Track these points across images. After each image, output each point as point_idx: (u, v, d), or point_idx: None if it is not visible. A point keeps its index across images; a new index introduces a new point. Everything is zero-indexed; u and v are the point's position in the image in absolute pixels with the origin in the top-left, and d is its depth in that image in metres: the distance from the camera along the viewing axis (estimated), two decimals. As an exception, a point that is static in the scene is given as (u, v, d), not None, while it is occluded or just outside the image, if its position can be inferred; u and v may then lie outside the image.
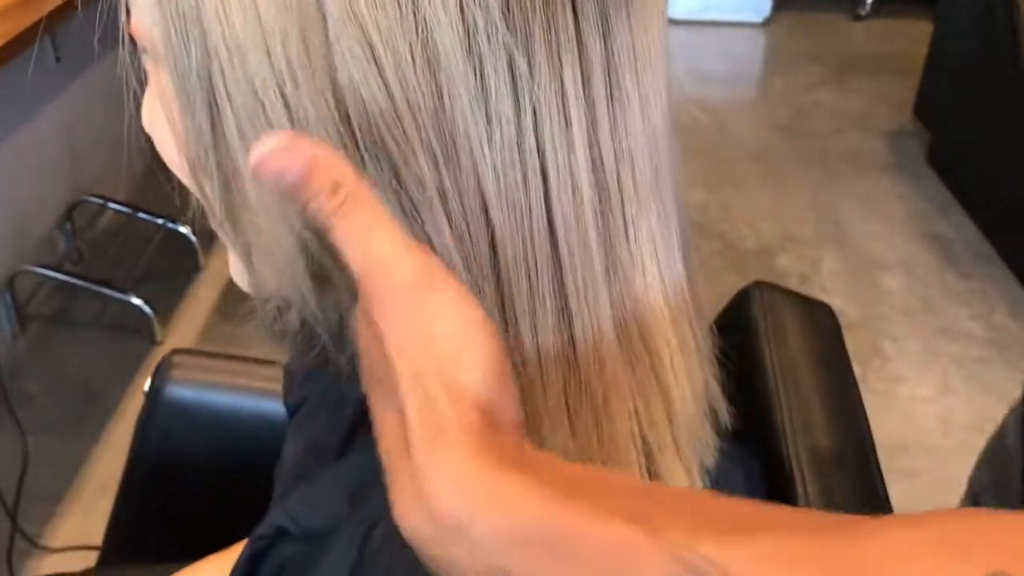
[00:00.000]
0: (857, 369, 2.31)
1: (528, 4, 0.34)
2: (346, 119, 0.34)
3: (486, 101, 0.35)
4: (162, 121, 0.40)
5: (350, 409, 0.53)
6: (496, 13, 0.34)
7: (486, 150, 0.35)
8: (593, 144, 0.37)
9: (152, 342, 2.09)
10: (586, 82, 0.36)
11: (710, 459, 0.44)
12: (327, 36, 0.33)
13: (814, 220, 2.64)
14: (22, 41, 1.35)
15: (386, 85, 0.34)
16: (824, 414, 0.58)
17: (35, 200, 2.19)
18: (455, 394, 0.29)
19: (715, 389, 0.46)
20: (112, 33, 0.40)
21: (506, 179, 0.35)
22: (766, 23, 4.03)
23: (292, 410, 0.65)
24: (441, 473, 0.28)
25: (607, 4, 0.36)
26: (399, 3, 0.33)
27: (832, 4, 4.26)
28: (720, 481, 0.44)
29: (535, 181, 0.36)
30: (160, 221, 2.32)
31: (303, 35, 0.33)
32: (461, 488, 0.28)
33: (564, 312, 0.38)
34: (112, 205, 2.36)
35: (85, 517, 1.68)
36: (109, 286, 2.14)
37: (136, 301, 2.08)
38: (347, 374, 0.47)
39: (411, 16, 0.33)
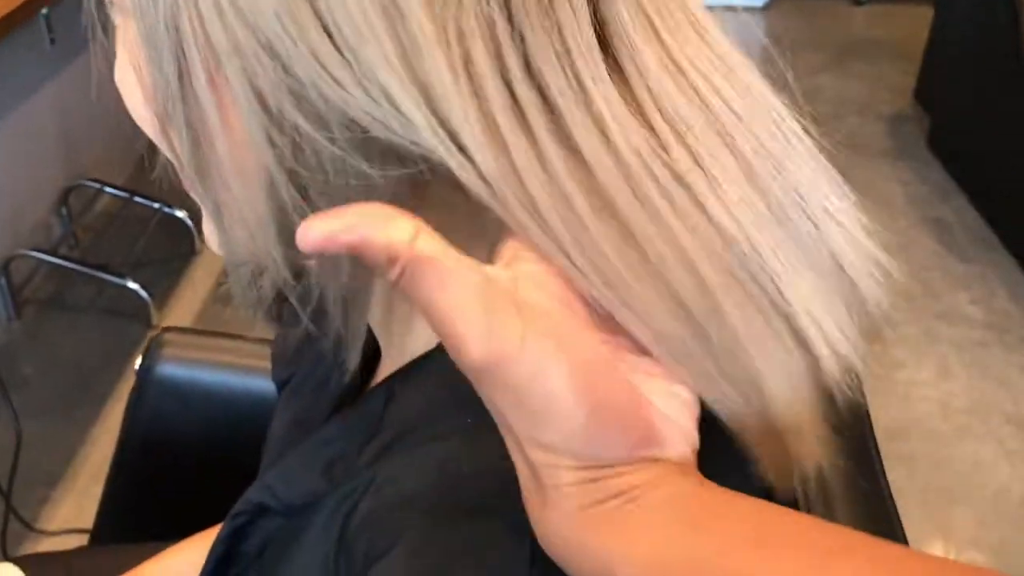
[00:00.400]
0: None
1: None
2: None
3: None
4: (129, 74, 0.39)
5: (332, 386, 0.52)
6: None
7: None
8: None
9: (148, 326, 2.08)
10: None
11: None
12: None
13: (814, 205, 2.63)
14: (13, 20, 1.34)
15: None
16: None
17: (31, 184, 2.18)
18: (550, 458, 0.32)
19: None
20: (104, 16, 0.39)
21: None
22: (766, 7, 4.01)
23: (280, 386, 0.64)
24: (540, 534, 0.34)
25: None
26: None
27: (833, -11, 4.25)
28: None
29: None
30: (156, 205, 2.31)
31: None
32: (553, 542, 0.34)
33: None
34: (108, 189, 2.35)
35: (80, 501, 1.68)
36: (105, 270, 2.13)
37: (132, 285, 2.07)
38: (328, 351, 0.47)
39: None
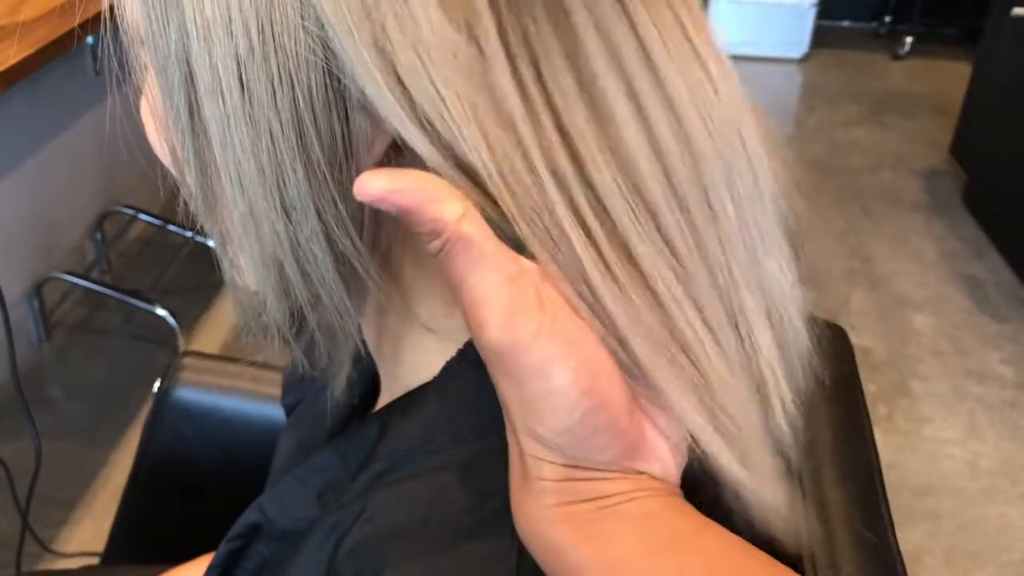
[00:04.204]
0: (883, 408, 2.28)
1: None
2: (311, 116, 0.34)
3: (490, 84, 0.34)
4: (147, 105, 0.40)
5: (330, 414, 0.53)
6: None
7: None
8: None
9: (175, 352, 2.10)
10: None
11: None
12: (299, 17, 0.33)
13: (845, 257, 2.61)
14: (59, 47, 1.37)
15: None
16: (830, 435, 0.57)
17: (68, 208, 2.22)
18: (538, 450, 0.33)
19: None
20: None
21: None
22: (804, 59, 4.02)
23: (289, 412, 0.65)
24: (516, 515, 0.35)
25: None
26: None
27: (871, 43, 4.25)
28: None
29: None
30: (189, 234, 2.34)
31: (270, 16, 0.33)
32: (524, 531, 0.35)
33: None
34: (143, 216, 2.38)
35: (98, 523, 1.68)
36: (135, 296, 2.15)
37: (161, 312, 2.09)
38: (324, 380, 0.47)
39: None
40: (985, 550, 1.75)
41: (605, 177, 0.34)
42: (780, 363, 0.40)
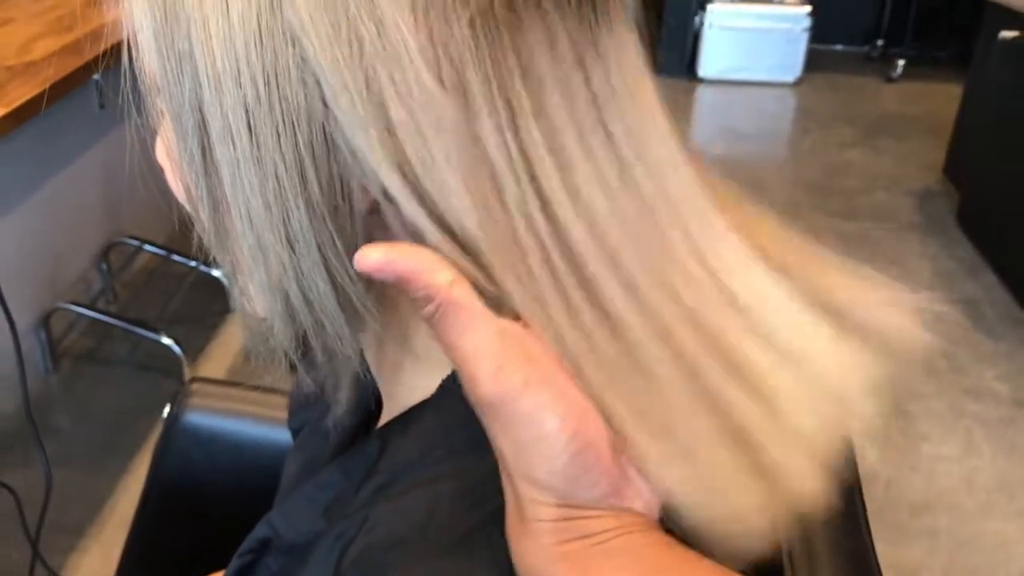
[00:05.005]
0: (880, 426, 2.28)
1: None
2: (312, 159, 0.37)
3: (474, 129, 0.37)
4: (164, 147, 0.43)
5: (334, 435, 0.56)
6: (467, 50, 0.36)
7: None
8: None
9: (180, 381, 2.13)
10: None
11: None
12: (299, 73, 0.36)
13: (841, 277, 2.64)
14: (68, 83, 1.41)
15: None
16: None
17: (73, 239, 2.25)
18: (533, 492, 0.37)
19: None
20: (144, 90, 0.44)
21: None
22: (798, 83, 4.07)
23: (295, 434, 0.68)
24: (515, 553, 0.38)
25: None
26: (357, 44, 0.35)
27: (864, 66, 4.30)
28: None
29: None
30: (193, 264, 2.38)
31: (275, 69, 0.36)
32: (523, 569, 0.38)
33: None
34: (148, 247, 2.42)
35: (106, 551, 1.70)
36: (141, 325, 2.18)
37: (166, 341, 2.12)
38: (328, 404, 0.50)
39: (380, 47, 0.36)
40: (983, 566, 1.77)
41: (580, 241, 0.37)
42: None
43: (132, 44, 0.40)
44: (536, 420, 0.35)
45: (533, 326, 0.37)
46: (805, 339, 0.41)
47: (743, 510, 0.39)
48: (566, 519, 0.37)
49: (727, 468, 0.38)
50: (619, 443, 0.37)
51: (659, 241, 0.39)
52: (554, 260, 0.37)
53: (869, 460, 1.98)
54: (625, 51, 0.40)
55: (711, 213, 0.42)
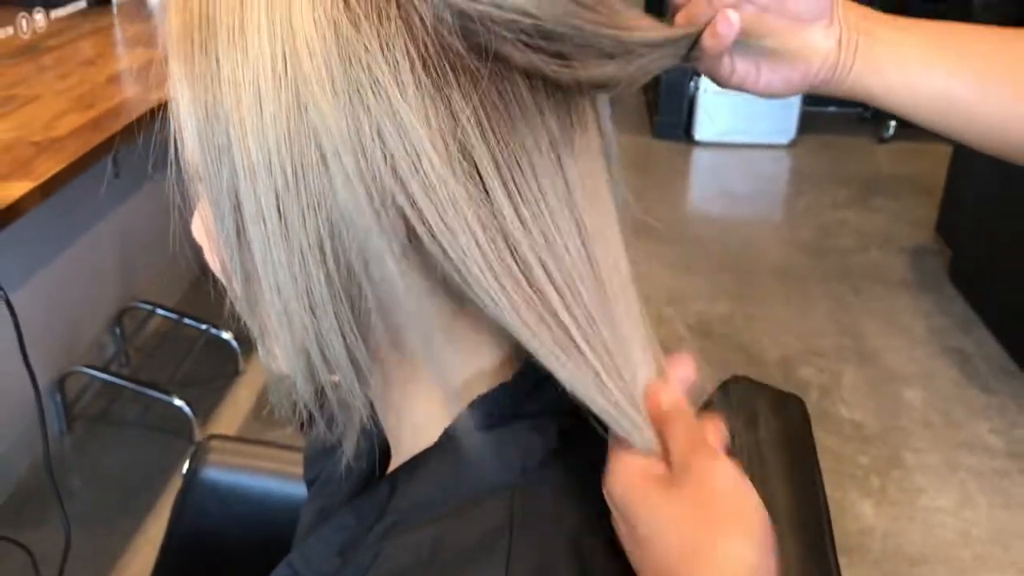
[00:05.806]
0: (876, 480, 2.33)
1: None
2: (331, 238, 0.43)
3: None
4: (202, 225, 0.50)
5: (346, 483, 0.62)
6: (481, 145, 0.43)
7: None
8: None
9: (191, 442, 2.18)
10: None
11: None
12: (325, 167, 0.42)
13: (836, 334, 2.70)
14: (90, 158, 1.49)
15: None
16: (785, 489, 0.65)
17: (88, 304, 2.32)
18: None
19: None
20: (162, 157, 0.50)
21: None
22: (792, 145, 4.17)
23: (310, 485, 0.73)
24: None
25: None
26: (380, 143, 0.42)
27: (856, 127, 4.40)
28: None
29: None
30: (204, 327, 2.44)
31: (301, 161, 0.42)
32: None
33: None
34: (160, 311, 2.49)
35: (119, 609, 1.74)
36: (153, 387, 2.24)
37: (178, 402, 2.18)
38: (341, 453, 0.56)
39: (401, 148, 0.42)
40: (980, 617, 1.80)
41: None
42: None
43: (178, 138, 0.47)
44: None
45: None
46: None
47: None
48: None
49: None
50: None
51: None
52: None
53: (866, 513, 2.02)
54: (592, 154, 0.47)
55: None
